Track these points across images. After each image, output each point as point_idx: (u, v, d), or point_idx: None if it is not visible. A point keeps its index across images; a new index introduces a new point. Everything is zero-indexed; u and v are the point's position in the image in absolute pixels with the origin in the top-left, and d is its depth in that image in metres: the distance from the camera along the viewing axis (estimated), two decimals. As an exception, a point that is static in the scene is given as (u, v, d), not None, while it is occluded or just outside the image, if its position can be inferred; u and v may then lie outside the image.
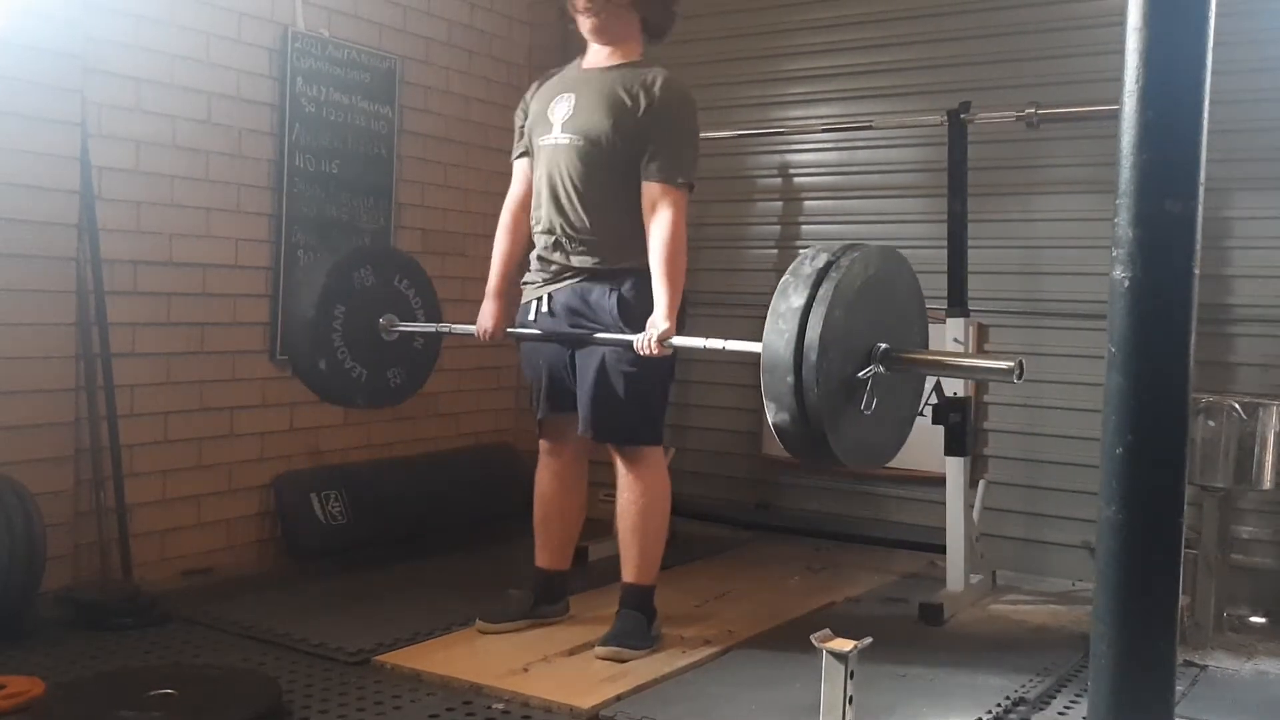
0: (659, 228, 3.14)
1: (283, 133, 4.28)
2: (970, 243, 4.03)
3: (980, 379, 2.80)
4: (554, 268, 3.33)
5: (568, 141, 3.25)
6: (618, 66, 3.28)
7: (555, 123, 3.29)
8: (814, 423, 2.54)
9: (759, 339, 2.62)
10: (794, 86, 4.97)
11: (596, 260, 3.25)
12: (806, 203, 4.97)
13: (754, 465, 4.99)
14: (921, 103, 4.52)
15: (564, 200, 3.26)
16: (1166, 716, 1.49)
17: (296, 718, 2.76)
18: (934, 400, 4.41)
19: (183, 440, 4.03)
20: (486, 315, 3.49)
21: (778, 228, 5.02)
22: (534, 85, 3.47)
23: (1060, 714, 2.97)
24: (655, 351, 3.08)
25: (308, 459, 4.46)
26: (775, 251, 5.00)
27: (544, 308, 3.35)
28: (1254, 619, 3.89)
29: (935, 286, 4.24)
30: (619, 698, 2.92)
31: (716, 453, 5.04)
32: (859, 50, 4.80)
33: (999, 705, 2.96)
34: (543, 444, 3.52)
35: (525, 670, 3.10)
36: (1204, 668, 3.36)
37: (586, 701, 2.87)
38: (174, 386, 4.00)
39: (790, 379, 2.52)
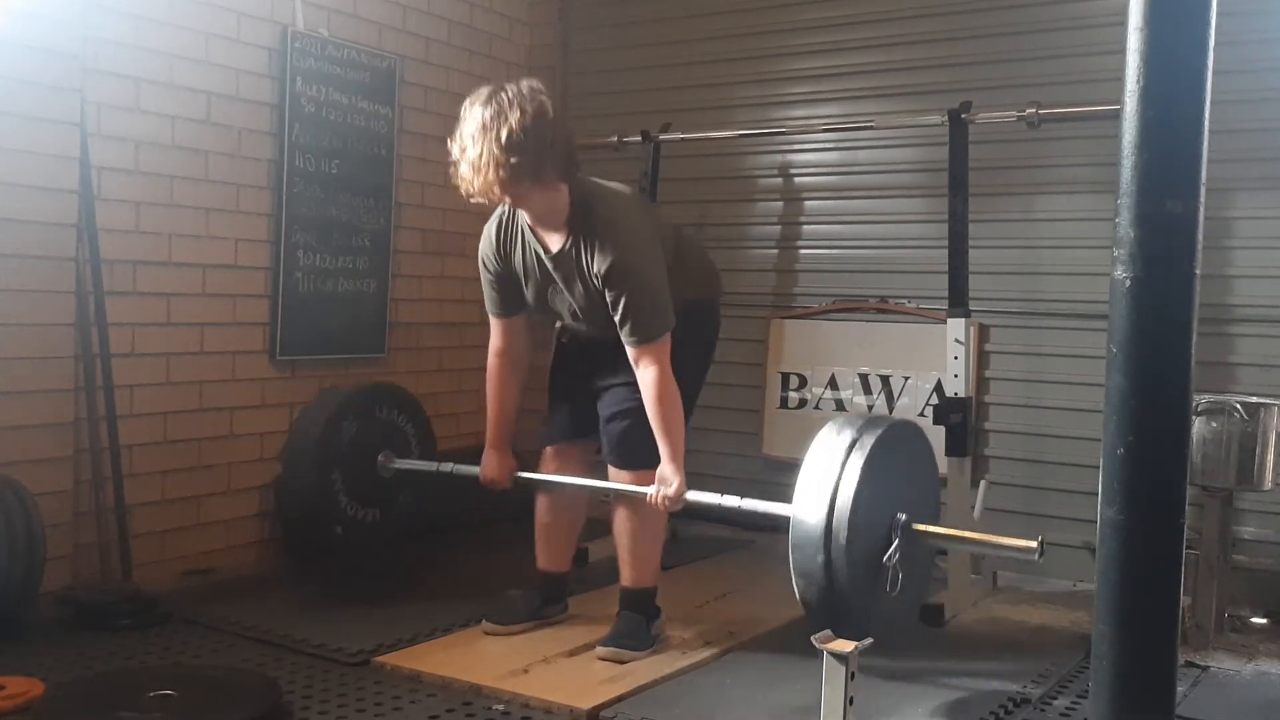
0: (645, 383, 3.15)
1: (282, 132, 4.28)
2: (971, 243, 4.02)
3: (999, 555, 2.88)
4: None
5: (567, 307, 3.29)
6: (564, 251, 3.17)
7: (547, 294, 3.29)
8: (840, 600, 2.64)
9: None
10: (795, 86, 4.96)
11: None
12: (807, 203, 4.96)
13: (754, 465, 4.99)
14: (922, 103, 4.51)
15: (582, 324, 3.32)
16: (1168, 718, 1.49)
17: (296, 718, 2.76)
18: (934, 401, 4.42)
19: (182, 440, 4.03)
20: (491, 466, 3.53)
21: (778, 228, 5.02)
22: (492, 241, 3.35)
23: (1062, 715, 2.96)
24: (666, 508, 3.18)
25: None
26: (775, 251, 5.00)
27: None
28: (1255, 620, 3.88)
29: (936, 286, 4.26)
30: (619, 698, 2.93)
31: (716, 453, 5.03)
32: (860, 50, 4.79)
33: (1000, 706, 2.96)
34: (546, 451, 3.54)
35: (525, 671, 3.10)
36: (1205, 669, 3.36)
37: (587, 702, 2.87)
38: (174, 387, 4.00)
39: (820, 558, 2.64)
